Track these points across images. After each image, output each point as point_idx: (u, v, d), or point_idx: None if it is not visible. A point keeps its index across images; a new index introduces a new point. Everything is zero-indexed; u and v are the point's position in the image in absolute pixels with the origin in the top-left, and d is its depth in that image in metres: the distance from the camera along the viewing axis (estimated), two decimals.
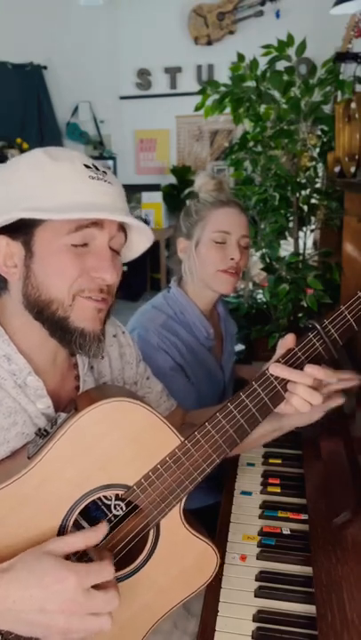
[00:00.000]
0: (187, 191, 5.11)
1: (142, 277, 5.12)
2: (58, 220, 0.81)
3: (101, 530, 0.77)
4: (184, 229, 1.51)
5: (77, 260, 0.84)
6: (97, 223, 0.84)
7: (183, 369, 1.46)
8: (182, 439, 0.82)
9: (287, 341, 0.90)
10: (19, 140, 4.82)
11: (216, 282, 1.49)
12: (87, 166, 0.85)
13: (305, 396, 0.88)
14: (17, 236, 0.84)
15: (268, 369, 0.88)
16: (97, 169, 0.86)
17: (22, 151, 4.75)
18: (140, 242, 0.96)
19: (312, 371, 0.87)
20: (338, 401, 1.08)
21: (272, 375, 0.87)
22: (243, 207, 1.54)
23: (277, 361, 0.88)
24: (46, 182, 0.82)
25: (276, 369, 0.87)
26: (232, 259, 1.46)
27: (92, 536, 0.76)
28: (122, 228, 0.89)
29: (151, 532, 0.84)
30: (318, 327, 0.89)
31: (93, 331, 0.87)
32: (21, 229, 0.84)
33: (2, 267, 0.86)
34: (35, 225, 0.83)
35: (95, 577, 0.72)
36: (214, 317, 1.64)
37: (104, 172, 0.87)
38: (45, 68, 5.08)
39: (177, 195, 5.05)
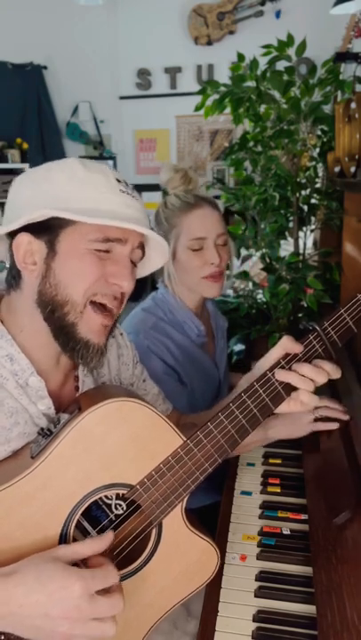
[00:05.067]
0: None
1: (143, 277, 5.11)
2: (88, 223, 0.82)
3: (108, 538, 0.77)
4: None
5: (99, 263, 0.85)
6: (121, 239, 0.86)
7: (176, 370, 1.45)
8: (185, 439, 0.83)
9: (287, 346, 0.90)
10: (19, 140, 4.82)
11: (201, 288, 1.48)
12: (118, 180, 0.87)
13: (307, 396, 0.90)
14: (41, 235, 0.85)
15: (271, 372, 0.88)
16: (126, 184, 0.89)
17: (22, 151, 4.77)
18: (155, 258, 0.98)
19: (312, 373, 0.88)
20: (330, 425, 1.12)
21: (273, 376, 0.88)
22: (212, 202, 1.49)
23: (281, 366, 0.89)
24: (78, 187, 0.84)
25: (281, 374, 0.88)
26: (212, 263, 1.43)
27: (99, 544, 0.76)
28: (141, 245, 0.91)
29: (153, 531, 0.84)
30: (318, 329, 0.89)
31: (98, 344, 0.88)
32: (47, 229, 0.85)
33: (20, 262, 0.87)
34: (62, 226, 0.84)
35: (101, 582, 0.72)
36: (204, 315, 1.63)
37: (132, 188, 0.90)
38: (45, 67, 5.08)
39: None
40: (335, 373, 0.90)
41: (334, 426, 1.15)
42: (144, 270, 1.02)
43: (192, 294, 1.52)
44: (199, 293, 1.51)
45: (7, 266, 0.93)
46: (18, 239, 0.86)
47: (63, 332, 0.87)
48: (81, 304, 0.86)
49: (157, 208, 1.51)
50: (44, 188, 0.85)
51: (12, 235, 0.88)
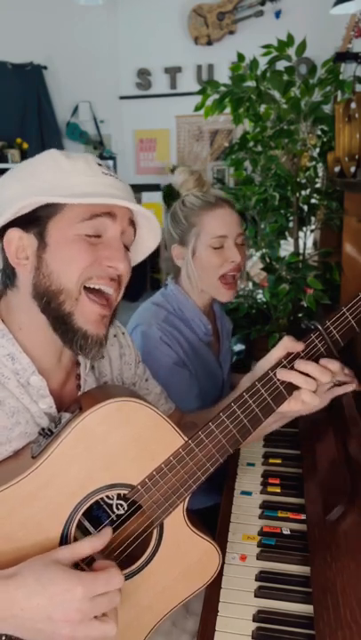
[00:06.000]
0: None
1: (142, 277, 5.12)
2: (74, 204, 0.83)
3: (106, 535, 0.77)
4: (176, 236, 1.49)
5: (90, 248, 0.85)
6: (110, 213, 0.86)
7: (185, 364, 1.46)
8: (186, 439, 0.83)
9: (288, 345, 0.90)
10: (19, 140, 4.83)
11: (216, 291, 1.49)
12: (99, 164, 0.89)
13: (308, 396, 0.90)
14: (30, 228, 0.86)
15: (273, 372, 0.88)
16: (108, 168, 0.90)
17: (22, 151, 4.77)
18: (148, 239, 0.97)
19: (316, 371, 0.88)
20: (347, 388, 1.09)
21: (275, 376, 0.88)
22: (231, 202, 1.51)
23: (283, 365, 0.89)
24: (62, 175, 0.85)
25: (283, 373, 0.88)
26: (233, 261, 1.45)
27: (98, 542, 0.76)
28: (132, 223, 0.91)
29: (155, 532, 0.84)
30: (320, 328, 0.89)
31: (97, 334, 0.88)
32: (35, 222, 0.85)
33: (13, 259, 0.87)
34: (49, 216, 0.85)
35: (103, 586, 0.71)
36: (211, 315, 1.64)
37: (113, 171, 0.90)
38: (45, 68, 5.08)
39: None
40: (340, 373, 0.90)
41: (351, 387, 1.11)
42: (138, 254, 1.00)
43: (203, 294, 1.53)
44: (212, 295, 1.52)
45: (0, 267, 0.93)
46: (8, 235, 0.86)
47: (61, 323, 0.87)
48: (75, 291, 0.85)
49: (174, 207, 1.52)
50: (28, 182, 0.86)
51: (2, 234, 0.88)
